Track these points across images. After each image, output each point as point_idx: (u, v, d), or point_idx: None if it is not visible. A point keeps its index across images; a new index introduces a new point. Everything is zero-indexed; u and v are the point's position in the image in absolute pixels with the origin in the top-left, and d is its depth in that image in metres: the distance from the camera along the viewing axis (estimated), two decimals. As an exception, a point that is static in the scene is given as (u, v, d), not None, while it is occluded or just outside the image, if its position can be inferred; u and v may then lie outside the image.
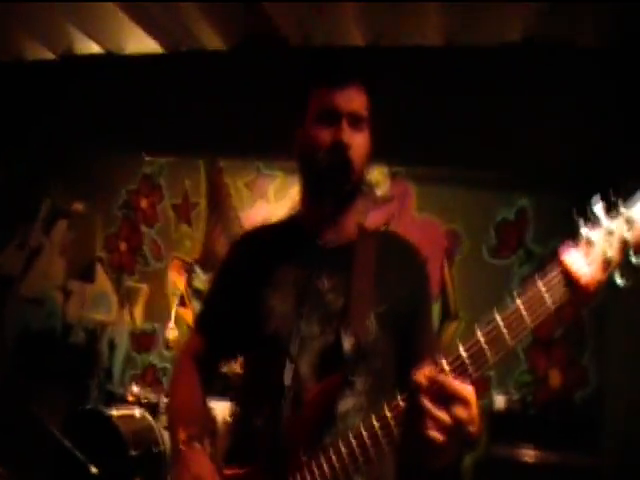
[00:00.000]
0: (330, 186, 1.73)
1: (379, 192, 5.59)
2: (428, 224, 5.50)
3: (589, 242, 1.39)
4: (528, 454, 4.20)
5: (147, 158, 6.67)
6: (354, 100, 1.82)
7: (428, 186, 5.61)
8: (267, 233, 2.08)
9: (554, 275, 1.40)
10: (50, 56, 5.91)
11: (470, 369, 1.43)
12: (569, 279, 1.39)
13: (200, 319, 2.14)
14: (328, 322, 1.80)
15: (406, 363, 1.74)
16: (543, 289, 1.40)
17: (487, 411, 4.55)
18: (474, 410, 1.42)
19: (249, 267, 1.95)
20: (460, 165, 4.99)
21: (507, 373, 5.08)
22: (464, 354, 1.44)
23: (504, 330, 1.42)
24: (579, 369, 5.02)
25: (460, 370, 1.44)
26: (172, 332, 5.56)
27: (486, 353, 1.42)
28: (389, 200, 5.65)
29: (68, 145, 6.45)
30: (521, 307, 1.41)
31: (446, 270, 5.40)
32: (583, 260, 1.38)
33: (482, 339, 1.42)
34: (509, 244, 5.30)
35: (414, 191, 5.67)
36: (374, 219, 5.33)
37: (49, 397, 5.46)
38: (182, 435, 1.83)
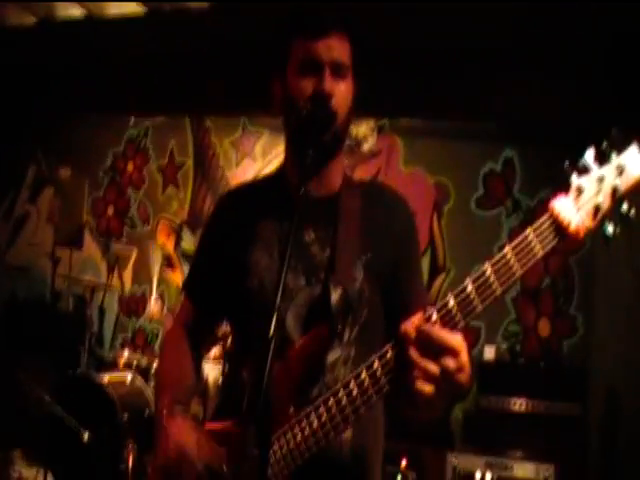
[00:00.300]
0: (313, 137, 1.67)
1: (365, 147, 5.53)
2: (415, 177, 5.45)
3: (579, 189, 1.38)
4: (517, 403, 4.22)
5: (132, 120, 6.59)
6: (336, 49, 1.76)
7: (414, 139, 5.55)
8: (251, 189, 2.06)
9: (543, 222, 1.38)
10: (31, 20, 5.79)
11: (458, 317, 1.41)
12: (558, 226, 1.37)
13: (187, 283, 2.11)
14: (314, 274, 1.78)
15: (394, 313, 1.73)
16: (532, 236, 1.38)
17: (476, 362, 4.56)
18: (464, 359, 1.40)
19: (233, 224, 1.93)
20: (446, 117, 4.93)
21: (496, 323, 5.08)
22: (452, 302, 1.41)
23: (492, 277, 1.40)
24: (567, 318, 5.03)
25: (448, 319, 1.42)
26: (155, 305, 5.56)
27: (474, 301, 1.41)
28: (376, 155, 5.60)
29: (52, 111, 6.37)
30: (510, 254, 1.39)
31: (434, 223, 5.37)
32: (573, 207, 1.37)
33: (470, 287, 1.40)
34: (496, 195, 5.26)
35: (401, 145, 5.60)
36: (361, 174, 5.23)
37: (39, 364, 5.44)
38: (165, 400, 1.82)
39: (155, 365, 5.09)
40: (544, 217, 1.38)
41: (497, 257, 1.40)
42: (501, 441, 4.07)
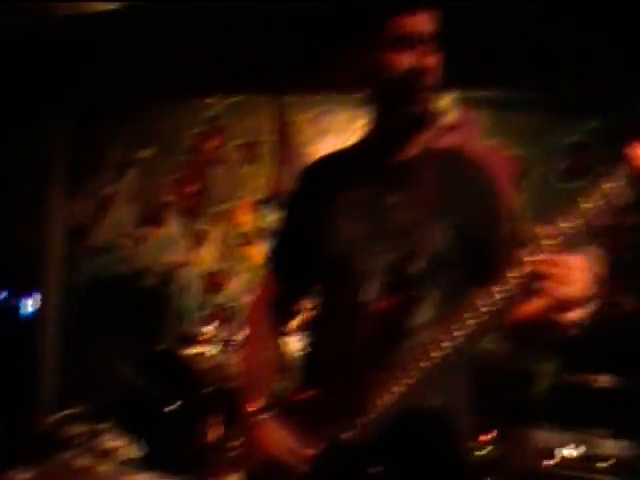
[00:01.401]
0: (405, 110, 1.75)
1: (444, 120, 5.44)
2: (496, 151, 5.35)
3: None
4: (601, 379, 4.12)
5: (210, 100, 6.64)
6: (428, 22, 1.79)
7: (494, 111, 5.42)
8: (332, 159, 2.09)
9: (619, 172, 1.39)
10: (110, 6, 5.87)
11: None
12: (636, 175, 1.37)
13: (271, 258, 2.14)
14: (396, 238, 1.79)
15: (479, 276, 1.71)
16: (607, 187, 1.38)
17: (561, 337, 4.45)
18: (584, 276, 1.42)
19: (317, 192, 1.96)
20: (528, 88, 4.82)
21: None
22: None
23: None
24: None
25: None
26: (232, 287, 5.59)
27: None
28: (455, 128, 5.48)
29: (134, 93, 6.46)
30: (585, 208, 1.40)
31: (514, 197, 5.25)
32: None
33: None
34: (579, 168, 5.11)
35: (482, 117, 5.48)
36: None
37: (124, 339, 5.58)
38: (251, 406, 1.90)
39: (235, 338, 5.17)
40: (619, 166, 1.40)
41: (574, 212, 1.42)
42: (587, 418, 3.97)
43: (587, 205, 1.38)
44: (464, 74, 4.49)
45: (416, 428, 1.68)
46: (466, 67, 4.45)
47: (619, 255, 4.89)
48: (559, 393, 4.24)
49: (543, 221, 1.44)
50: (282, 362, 2.09)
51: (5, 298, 6.15)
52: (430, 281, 1.77)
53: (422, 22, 1.77)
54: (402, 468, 1.67)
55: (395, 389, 1.61)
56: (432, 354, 1.56)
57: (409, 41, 1.76)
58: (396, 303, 1.72)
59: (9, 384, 5.52)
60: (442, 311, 1.76)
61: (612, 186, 1.36)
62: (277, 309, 2.09)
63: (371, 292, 1.73)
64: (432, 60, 1.80)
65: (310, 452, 1.72)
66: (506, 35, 4.53)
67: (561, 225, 1.41)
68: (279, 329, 2.10)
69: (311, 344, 2.04)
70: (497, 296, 1.48)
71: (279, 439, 1.79)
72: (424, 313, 1.76)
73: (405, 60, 1.76)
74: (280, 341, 2.10)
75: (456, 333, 1.53)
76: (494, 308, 1.49)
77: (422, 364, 1.57)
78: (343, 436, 1.63)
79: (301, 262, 2.00)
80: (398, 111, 1.74)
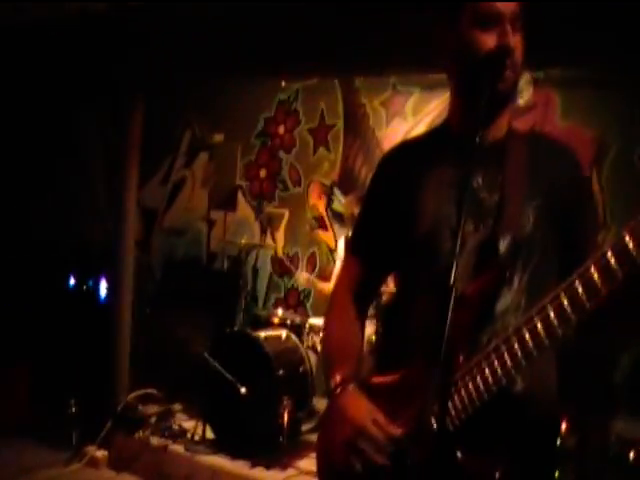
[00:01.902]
0: (491, 89, 1.67)
1: (522, 100, 5.35)
2: (573, 132, 5.20)
3: None
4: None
5: (283, 84, 6.66)
6: (512, 1, 1.74)
7: (572, 91, 5.29)
8: (416, 142, 2.07)
9: None
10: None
11: None
12: None
13: (353, 240, 2.14)
14: (482, 219, 1.77)
15: (567, 260, 1.69)
16: None
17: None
18: None
19: (400, 175, 1.94)
20: (604, 66, 4.68)
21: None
22: None
23: None
24: None
25: None
26: (302, 277, 5.63)
27: None
28: (532, 108, 5.40)
29: (206, 77, 6.51)
30: None
31: (594, 179, 5.14)
32: None
33: None
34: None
35: (557, 97, 5.37)
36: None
37: (197, 321, 5.66)
38: (337, 377, 1.86)
39: (308, 323, 5.20)
40: None
41: None
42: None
43: None
44: (539, 53, 4.41)
45: (501, 413, 1.64)
46: (542, 46, 4.37)
47: None
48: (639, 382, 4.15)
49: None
50: (363, 344, 2.07)
51: (81, 281, 6.31)
52: (515, 264, 1.73)
53: (508, 1, 1.72)
54: (485, 451, 1.65)
55: (483, 373, 1.58)
56: (521, 339, 1.51)
57: (495, 19, 1.72)
58: (484, 285, 1.69)
59: (87, 365, 5.67)
60: (529, 295, 1.72)
61: None
62: (359, 292, 2.06)
63: (459, 273, 1.71)
64: (517, 39, 1.74)
65: (396, 430, 1.71)
66: (582, 12, 4.41)
67: None
68: (361, 311, 2.08)
69: (391, 328, 2.03)
70: (578, 286, 1.45)
71: (365, 409, 1.77)
72: (511, 296, 1.72)
73: (491, 39, 1.71)
74: (362, 324, 2.07)
75: (544, 319, 1.48)
76: (580, 297, 1.45)
77: (510, 349, 1.53)
78: (431, 421, 1.61)
79: (384, 245, 1.97)
80: (484, 90, 1.69)
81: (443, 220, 1.77)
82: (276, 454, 4.54)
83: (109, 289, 6.07)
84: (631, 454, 3.73)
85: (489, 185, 1.79)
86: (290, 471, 4.48)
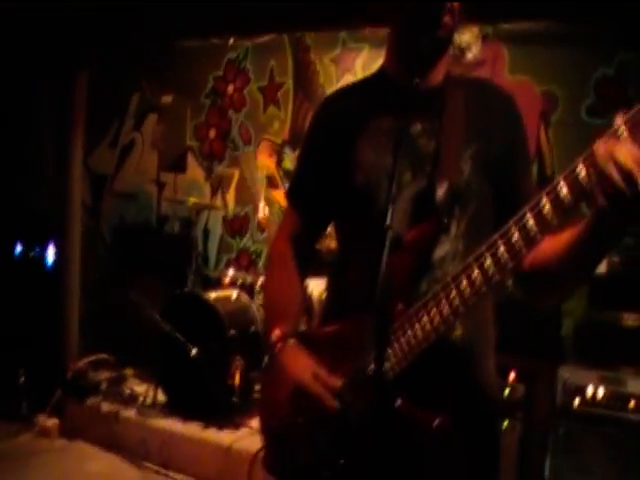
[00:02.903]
0: (427, 37, 1.66)
1: (470, 55, 5.31)
2: (522, 86, 5.17)
3: None
4: (630, 318, 4.03)
5: (231, 42, 6.55)
6: None
7: (520, 46, 5.25)
8: (351, 90, 2.03)
9: None
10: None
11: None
12: None
13: (291, 191, 2.09)
14: (420, 167, 1.75)
15: (504, 206, 1.68)
16: None
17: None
18: None
19: (336, 123, 1.90)
20: (554, 20, 4.66)
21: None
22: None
23: None
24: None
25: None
26: (263, 210, 5.55)
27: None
28: (481, 64, 5.36)
29: (151, 38, 6.38)
30: (622, 128, 1.28)
31: (542, 133, 5.14)
32: None
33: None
34: (610, 102, 4.90)
35: (506, 53, 5.33)
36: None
37: (148, 284, 5.60)
38: (277, 332, 1.85)
39: (260, 282, 5.15)
40: None
41: (609, 132, 1.29)
42: (614, 356, 3.91)
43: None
44: (488, 6, 4.36)
45: (437, 359, 1.63)
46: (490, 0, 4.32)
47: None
48: (587, 331, 4.18)
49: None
50: (304, 297, 2.04)
51: (28, 249, 6.18)
52: (453, 211, 1.72)
53: None
54: (426, 400, 1.63)
55: (421, 320, 1.58)
56: (459, 286, 1.51)
57: None
58: (422, 233, 1.68)
59: (35, 334, 5.57)
60: (467, 242, 1.72)
61: None
62: (298, 243, 2.03)
63: (397, 222, 1.65)
64: None
65: (337, 382, 1.69)
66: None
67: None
68: (301, 263, 2.04)
69: (335, 280, 2.01)
70: (514, 232, 1.43)
71: (305, 364, 1.76)
72: (449, 244, 1.72)
73: None
74: (302, 275, 2.04)
75: (481, 265, 1.48)
76: (516, 242, 1.43)
77: (448, 296, 1.53)
78: (369, 369, 1.59)
79: (321, 194, 1.94)
80: (420, 37, 1.65)
81: (381, 169, 1.74)
82: (229, 414, 4.53)
83: (57, 255, 5.95)
84: (576, 401, 3.78)
85: (427, 132, 1.76)
86: (243, 430, 4.48)
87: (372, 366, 1.52)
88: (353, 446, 1.64)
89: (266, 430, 1.92)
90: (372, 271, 1.39)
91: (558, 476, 3.82)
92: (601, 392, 3.75)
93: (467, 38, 5.32)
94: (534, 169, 5.07)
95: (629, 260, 4.61)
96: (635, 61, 4.85)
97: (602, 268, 4.38)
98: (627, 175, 1.24)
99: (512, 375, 3.96)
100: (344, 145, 1.83)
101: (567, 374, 3.83)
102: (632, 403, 3.70)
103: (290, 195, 2.07)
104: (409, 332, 1.60)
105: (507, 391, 3.94)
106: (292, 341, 1.83)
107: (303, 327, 4.39)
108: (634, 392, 3.72)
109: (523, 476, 3.92)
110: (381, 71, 1.92)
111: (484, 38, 5.37)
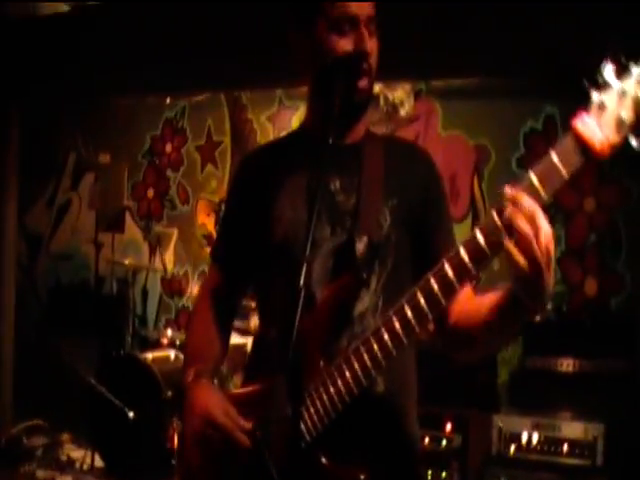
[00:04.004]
0: (347, 94, 1.69)
1: (403, 112, 5.43)
2: (455, 141, 5.33)
3: (601, 106, 1.34)
4: (564, 363, 4.11)
5: (168, 101, 6.58)
6: (368, 5, 1.75)
7: (452, 102, 5.42)
8: (271, 147, 2.07)
9: (566, 143, 1.35)
10: (63, 8, 5.77)
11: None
12: (582, 146, 1.33)
13: (214, 249, 2.10)
14: (340, 223, 1.76)
15: (423, 260, 1.69)
16: (556, 159, 1.35)
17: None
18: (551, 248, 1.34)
19: (256, 180, 1.92)
20: (482, 75, 4.80)
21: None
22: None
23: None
24: (614, 275, 4.85)
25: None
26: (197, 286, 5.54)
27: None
28: (414, 120, 5.49)
29: (88, 97, 6.38)
30: (534, 179, 1.37)
31: (476, 185, 5.26)
32: (596, 125, 1.33)
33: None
34: (538, 154, 5.05)
35: (438, 108, 5.48)
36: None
37: (85, 347, 5.52)
38: (190, 372, 1.82)
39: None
40: (567, 138, 1.35)
41: (523, 184, 1.36)
42: (548, 402, 3.98)
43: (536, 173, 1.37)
44: (422, 64, 4.47)
45: (360, 414, 1.62)
46: (425, 57, 4.43)
47: (582, 237, 4.89)
48: (521, 378, 4.24)
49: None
50: (225, 347, 2.04)
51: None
52: (372, 266, 1.73)
53: (363, 5, 1.73)
54: (348, 454, 1.62)
55: (343, 376, 1.57)
56: (380, 339, 1.51)
57: (351, 23, 1.72)
58: (340, 288, 1.68)
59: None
60: (387, 296, 1.72)
61: (559, 157, 1.34)
62: (220, 298, 2.02)
63: (316, 277, 1.70)
64: (373, 44, 1.75)
65: (248, 423, 1.66)
66: (462, 23, 4.49)
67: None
68: (221, 319, 2.01)
69: (256, 338, 2.01)
70: (434, 283, 1.45)
71: (216, 399, 1.73)
72: (369, 298, 1.72)
73: (347, 42, 1.71)
74: (223, 327, 2.02)
75: (402, 318, 1.49)
76: (435, 294, 1.45)
77: (366, 351, 1.53)
78: (284, 415, 1.57)
79: (242, 252, 1.94)
80: (339, 95, 1.68)
81: (299, 226, 1.73)
82: (168, 477, 4.42)
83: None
84: (511, 448, 3.81)
85: (346, 188, 1.78)
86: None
87: (289, 426, 1.51)
88: None
89: (179, 471, 1.89)
90: (287, 330, 1.39)
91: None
92: (535, 438, 3.80)
93: (399, 95, 5.43)
94: (468, 221, 5.18)
95: (562, 308, 4.72)
96: (560, 114, 5.02)
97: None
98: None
99: (449, 426, 3.98)
100: (263, 202, 1.85)
101: (501, 422, 3.86)
102: (565, 447, 3.76)
103: (212, 253, 2.09)
104: (331, 388, 1.59)
105: (444, 442, 3.95)
106: (204, 380, 1.81)
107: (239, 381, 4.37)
108: (568, 436, 3.78)
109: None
110: (301, 128, 1.96)
111: (417, 94, 5.50)
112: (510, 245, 1.33)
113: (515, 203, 1.33)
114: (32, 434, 5.19)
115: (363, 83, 1.72)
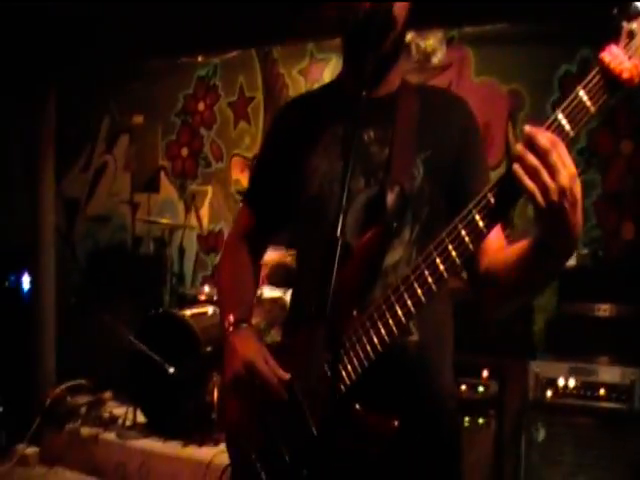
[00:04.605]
0: (374, 51, 1.64)
1: (435, 60, 5.35)
2: (488, 87, 5.24)
3: (630, 34, 1.28)
4: (601, 308, 4.04)
5: (199, 59, 6.56)
6: None
7: (485, 48, 5.31)
8: (308, 97, 2.07)
9: (593, 76, 1.29)
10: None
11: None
12: (610, 76, 1.27)
13: (248, 192, 2.11)
14: (373, 174, 1.75)
15: (456, 212, 1.63)
16: (582, 93, 1.29)
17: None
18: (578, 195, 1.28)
19: (292, 131, 1.93)
20: (516, 20, 4.70)
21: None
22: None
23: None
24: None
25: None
26: None
27: None
28: (446, 68, 5.42)
29: (120, 61, 6.38)
30: (561, 115, 1.30)
31: (510, 131, 5.18)
32: (623, 53, 1.27)
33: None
34: (571, 97, 4.97)
35: (471, 55, 5.39)
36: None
37: (124, 307, 5.57)
38: (230, 319, 1.85)
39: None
40: (594, 71, 1.29)
41: (548, 121, 1.30)
42: (585, 347, 3.94)
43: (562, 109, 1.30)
44: (452, 10, 4.39)
45: (394, 363, 1.63)
46: (456, 4, 4.34)
47: (619, 181, 4.80)
48: (557, 324, 4.20)
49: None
50: (256, 289, 2.06)
51: (2, 278, 6.14)
52: (404, 217, 1.72)
53: None
54: (381, 405, 1.62)
55: (375, 325, 1.56)
56: (410, 287, 1.50)
57: None
58: (371, 239, 1.67)
59: (12, 363, 5.52)
60: (420, 247, 1.69)
61: (586, 91, 1.28)
62: (250, 239, 2.06)
63: (348, 229, 1.64)
64: None
65: (286, 374, 1.69)
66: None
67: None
68: (253, 258, 2.07)
69: (293, 291, 2.03)
70: (462, 231, 1.42)
71: (257, 347, 1.76)
72: (402, 249, 1.72)
73: None
74: (254, 267, 2.07)
75: (430, 265, 1.47)
76: (464, 236, 1.43)
77: (400, 298, 1.52)
78: (321, 364, 1.58)
79: (275, 198, 1.96)
80: (364, 54, 1.64)
81: (334, 176, 1.75)
82: (208, 431, 4.49)
83: (32, 283, 5.92)
84: (548, 393, 3.80)
85: (380, 139, 1.77)
86: (222, 445, 4.42)
87: (327, 372, 1.52)
88: (313, 455, 1.61)
89: (220, 415, 1.93)
90: (323, 281, 1.39)
91: (534, 468, 3.84)
92: (572, 383, 3.78)
93: (432, 43, 5.35)
94: (503, 169, 5.10)
95: (598, 253, 4.65)
96: (596, 55, 4.89)
97: (572, 261, 4.41)
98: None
99: (485, 373, 3.97)
100: (299, 152, 1.85)
101: (538, 368, 3.85)
102: (602, 391, 3.74)
103: (246, 195, 2.10)
104: (364, 338, 1.58)
105: (480, 389, 3.95)
106: (244, 325, 1.84)
107: (259, 320, 4.38)
108: (605, 381, 3.76)
109: (499, 470, 3.93)
110: (338, 80, 1.94)
111: (449, 42, 5.41)
112: (524, 178, 1.29)
113: (529, 140, 1.27)
114: (75, 393, 5.30)
115: (392, 34, 1.69)
